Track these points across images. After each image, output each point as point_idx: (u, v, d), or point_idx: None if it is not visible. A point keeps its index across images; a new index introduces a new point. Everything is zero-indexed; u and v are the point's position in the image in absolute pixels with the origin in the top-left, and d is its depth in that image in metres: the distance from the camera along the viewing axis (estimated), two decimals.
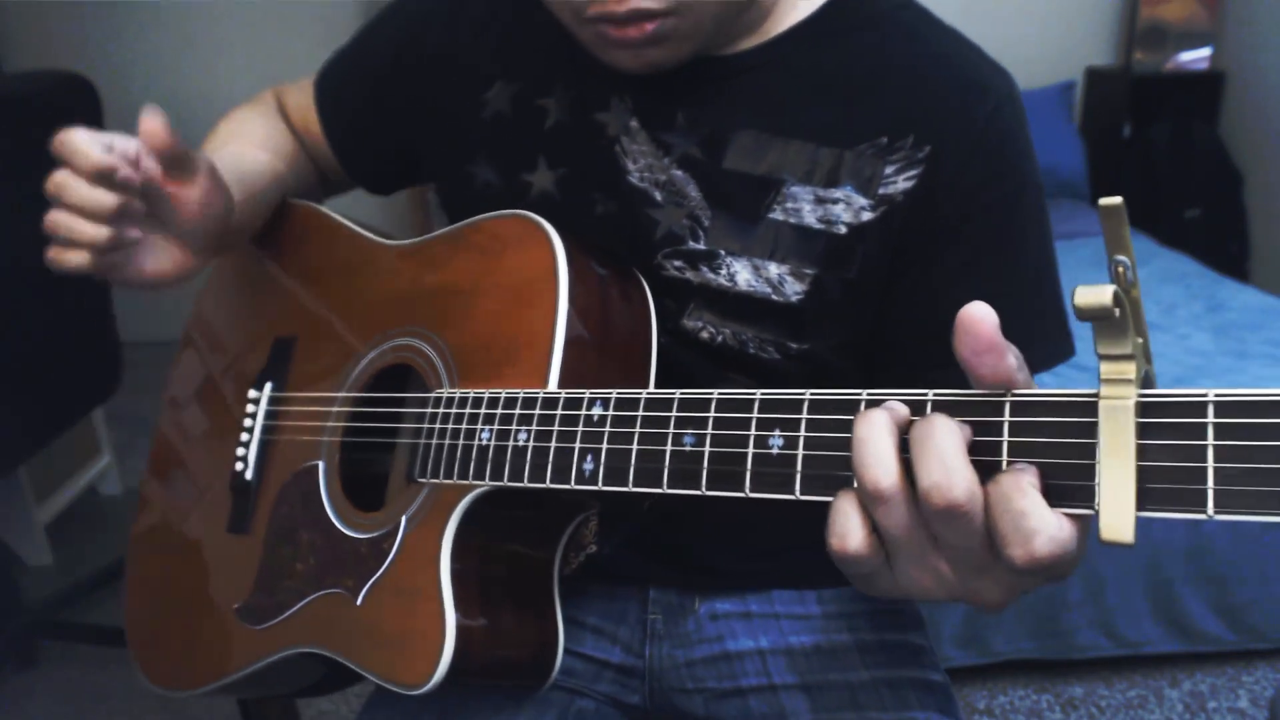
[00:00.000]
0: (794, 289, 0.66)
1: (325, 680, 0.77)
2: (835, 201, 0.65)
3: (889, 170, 0.64)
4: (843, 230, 0.65)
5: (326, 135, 0.85)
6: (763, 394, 0.48)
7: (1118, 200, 0.37)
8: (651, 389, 0.52)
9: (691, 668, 0.78)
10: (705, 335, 0.69)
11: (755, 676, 0.76)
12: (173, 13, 3.24)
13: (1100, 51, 3.35)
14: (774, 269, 0.66)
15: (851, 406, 0.45)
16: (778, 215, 0.66)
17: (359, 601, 0.66)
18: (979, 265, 0.65)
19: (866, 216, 0.65)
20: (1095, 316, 0.37)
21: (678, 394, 0.51)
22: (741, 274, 0.67)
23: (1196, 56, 3.20)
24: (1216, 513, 0.36)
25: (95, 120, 1.56)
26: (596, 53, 0.65)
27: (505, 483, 0.58)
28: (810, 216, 0.65)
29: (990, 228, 0.65)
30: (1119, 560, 1.64)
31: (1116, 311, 0.36)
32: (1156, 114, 3.15)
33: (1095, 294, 0.36)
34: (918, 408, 0.43)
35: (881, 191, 0.64)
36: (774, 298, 0.67)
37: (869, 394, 0.44)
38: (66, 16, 3.20)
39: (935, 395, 0.42)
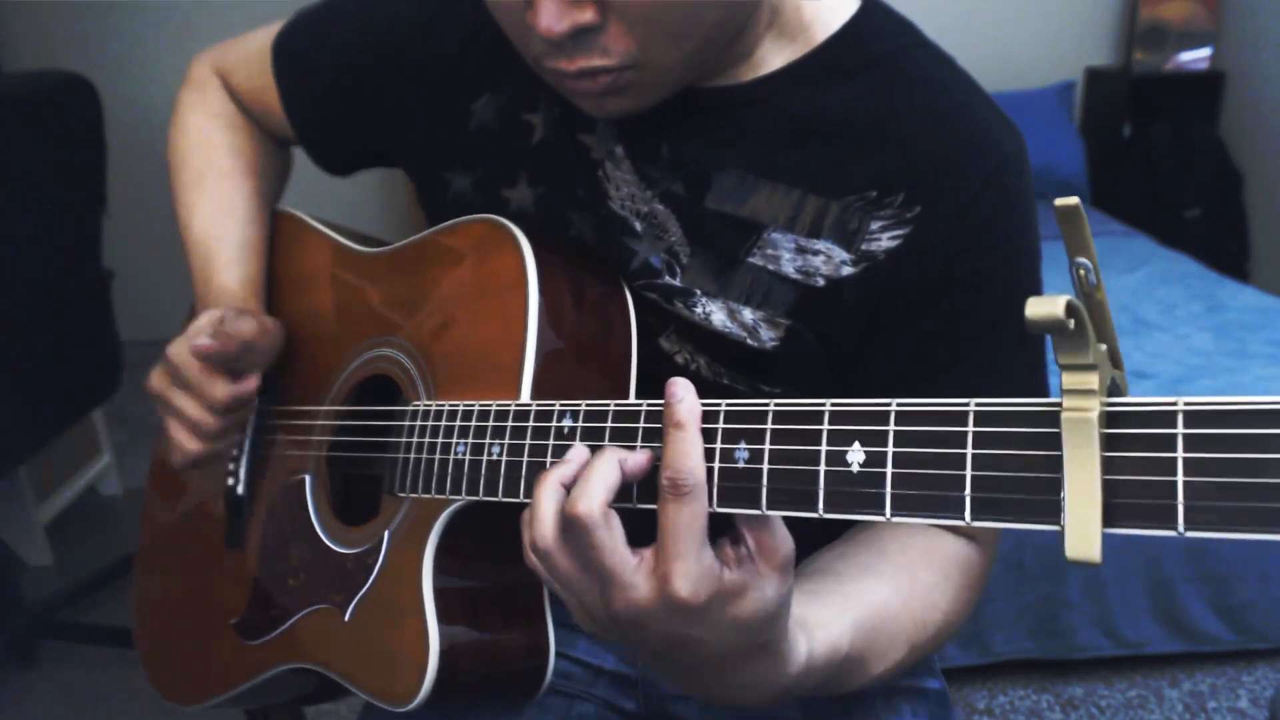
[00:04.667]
0: (769, 335, 0.65)
1: (323, 689, 0.77)
2: (816, 253, 0.63)
3: (875, 226, 0.62)
4: (820, 283, 0.63)
5: (289, 118, 0.83)
6: (728, 404, 0.46)
7: (1074, 200, 0.35)
8: (622, 400, 0.51)
9: None
10: (680, 360, 0.67)
11: None
12: (173, 13, 3.24)
13: (1100, 51, 3.35)
14: (749, 314, 0.65)
15: (816, 417, 0.43)
16: (757, 260, 0.64)
17: (347, 617, 0.65)
18: (956, 330, 0.63)
19: (846, 271, 0.63)
20: (1049, 329, 0.35)
21: (644, 405, 0.49)
22: (716, 315, 0.65)
23: (1196, 56, 3.20)
24: (1187, 529, 0.34)
25: (95, 120, 1.57)
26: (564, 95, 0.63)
27: (481, 497, 0.57)
28: (789, 266, 0.63)
29: (972, 294, 0.62)
30: (1119, 560, 1.64)
31: (1071, 323, 0.34)
32: (1156, 114, 3.15)
33: (1046, 305, 0.34)
34: (880, 417, 0.41)
35: (864, 247, 0.62)
36: (749, 342, 0.65)
37: (832, 404, 0.43)
38: (66, 16, 3.20)
39: (899, 405, 0.41)
